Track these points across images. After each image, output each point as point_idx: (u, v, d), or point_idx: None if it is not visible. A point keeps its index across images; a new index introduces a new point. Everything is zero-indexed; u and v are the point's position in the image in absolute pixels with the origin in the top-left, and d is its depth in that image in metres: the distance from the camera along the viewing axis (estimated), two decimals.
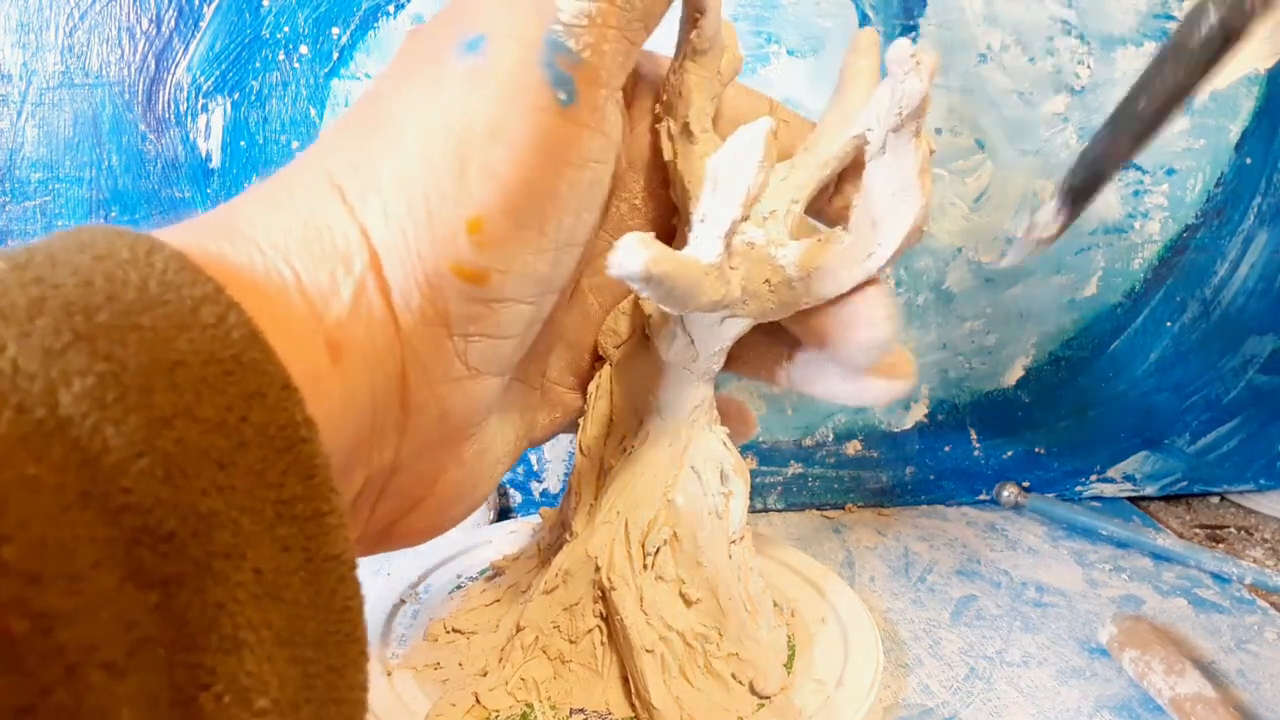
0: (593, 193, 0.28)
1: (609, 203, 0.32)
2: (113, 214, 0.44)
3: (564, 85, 0.25)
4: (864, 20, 0.48)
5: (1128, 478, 0.57)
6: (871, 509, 0.55)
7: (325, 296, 0.22)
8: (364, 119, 0.26)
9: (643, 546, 0.34)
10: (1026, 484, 0.56)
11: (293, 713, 0.16)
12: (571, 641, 0.34)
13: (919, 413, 0.54)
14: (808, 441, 0.53)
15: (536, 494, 0.52)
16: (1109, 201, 0.53)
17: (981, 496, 0.56)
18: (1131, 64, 0.51)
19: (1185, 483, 0.58)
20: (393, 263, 0.24)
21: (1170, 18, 0.50)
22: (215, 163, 0.45)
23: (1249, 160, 0.53)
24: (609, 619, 0.34)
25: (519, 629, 0.34)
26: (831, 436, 0.54)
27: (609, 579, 0.33)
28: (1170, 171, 0.53)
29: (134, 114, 0.44)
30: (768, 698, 0.33)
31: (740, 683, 0.33)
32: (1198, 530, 0.55)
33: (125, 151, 0.44)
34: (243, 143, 0.45)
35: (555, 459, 0.52)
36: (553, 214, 0.26)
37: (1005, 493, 0.55)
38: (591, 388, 0.36)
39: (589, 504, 0.36)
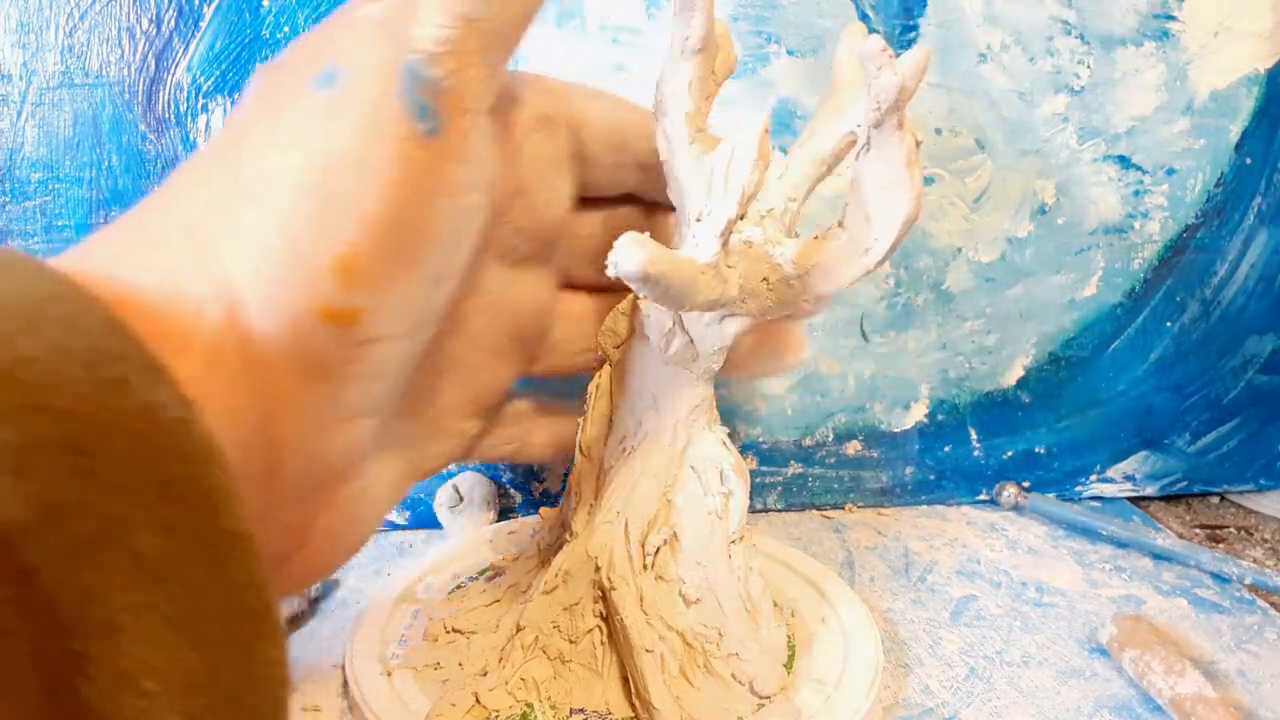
0: (466, 221, 0.27)
1: (493, 228, 0.32)
2: (113, 214, 0.45)
3: (426, 114, 0.24)
4: (864, 20, 0.48)
5: (1128, 478, 0.57)
6: (871, 509, 0.55)
7: (178, 350, 0.21)
8: (221, 158, 0.25)
9: (642, 546, 0.34)
10: (1026, 484, 0.56)
11: (194, 694, 0.16)
12: (571, 641, 0.34)
13: (919, 413, 0.54)
14: (808, 441, 0.53)
15: (536, 494, 0.52)
16: (1109, 201, 0.53)
17: (981, 496, 0.56)
18: (1131, 64, 0.51)
19: (1185, 483, 0.58)
20: (255, 310, 0.22)
21: (1171, 18, 0.50)
22: None
23: (1249, 160, 0.53)
24: (609, 619, 0.34)
25: (519, 629, 0.34)
26: (831, 436, 0.54)
27: (609, 579, 0.33)
28: (1170, 171, 0.53)
29: (134, 114, 0.44)
30: (768, 698, 0.33)
31: (740, 683, 0.33)
32: (1198, 530, 0.55)
33: (125, 151, 0.44)
34: None
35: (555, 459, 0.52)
36: (422, 246, 0.26)
37: (1005, 493, 0.55)
38: (591, 387, 0.36)
39: (589, 504, 0.36)
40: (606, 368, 0.36)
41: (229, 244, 0.22)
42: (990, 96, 0.50)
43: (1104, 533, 0.52)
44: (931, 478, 0.56)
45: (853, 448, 0.54)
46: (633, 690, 0.33)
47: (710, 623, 0.34)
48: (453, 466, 0.51)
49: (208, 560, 0.17)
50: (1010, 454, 0.56)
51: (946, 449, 0.55)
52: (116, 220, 0.24)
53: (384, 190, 0.24)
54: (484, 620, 0.37)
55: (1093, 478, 0.57)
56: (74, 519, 0.15)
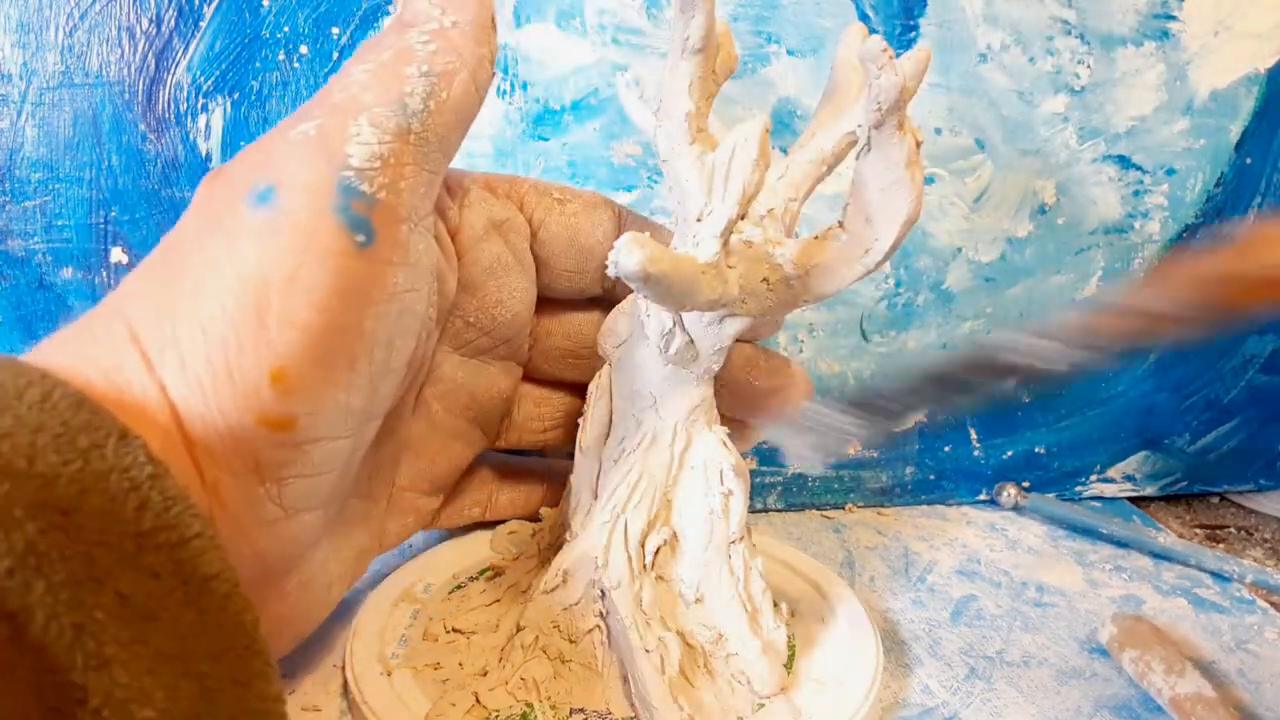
0: (404, 321, 0.28)
1: (444, 321, 0.33)
2: (112, 214, 0.45)
3: (361, 227, 0.25)
4: (864, 20, 0.48)
5: (1128, 478, 0.57)
6: (871, 509, 0.55)
7: (140, 428, 0.22)
8: (165, 267, 0.25)
9: (642, 546, 0.34)
10: (1026, 484, 0.56)
11: None
12: (571, 641, 0.34)
13: (919, 413, 0.54)
14: None
15: None
16: (1109, 201, 0.53)
17: (981, 496, 0.56)
18: (1131, 64, 0.51)
19: (1185, 483, 0.58)
20: (193, 418, 0.23)
21: (1171, 17, 0.50)
22: (215, 163, 0.45)
23: (1249, 160, 0.53)
24: (608, 618, 0.34)
25: (519, 628, 0.34)
26: None
27: (609, 579, 0.33)
28: (1170, 171, 0.53)
29: (134, 114, 0.44)
30: (768, 698, 0.33)
31: (740, 683, 0.33)
32: (1198, 530, 0.55)
33: (125, 151, 0.44)
34: (243, 143, 0.45)
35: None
36: (361, 350, 0.26)
37: (1005, 493, 0.55)
38: (592, 388, 0.36)
39: (589, 504, 0.36)
40: (606, 368, 0.36)
41: (169, 354, 0.23)
42: (990, 96, 0.50)
43: (1104, 533, 0.52)
44: (931, 478, 0.56)
45: (853, 448, 0.54)
46: (632, 690, 0.33)
47: (710, 623, 0.34)
48: None
49: (191, 601, 0.19)
50: (1010, 454, 0.56)
51: (946, 449, 0.55)
52: (71, 323, 0.25)
53: (319, 303, 0.25)
54: (484, 620, 0.37)
55: (1093, 478, 0.57)
56: (56, 566, 0.17)
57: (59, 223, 0.44)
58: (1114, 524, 0.52)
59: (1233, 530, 0.55)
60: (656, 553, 0.34)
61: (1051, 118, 0.51)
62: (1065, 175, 0.52)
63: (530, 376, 0.40)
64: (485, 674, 0.34)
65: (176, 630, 0.18)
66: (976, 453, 0.56)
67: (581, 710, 0.33)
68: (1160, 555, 0.50)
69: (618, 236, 0.35)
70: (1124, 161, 0.52)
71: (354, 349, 0.26)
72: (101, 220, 0.45)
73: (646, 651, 0.33)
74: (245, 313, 0.24)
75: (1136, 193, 0.53)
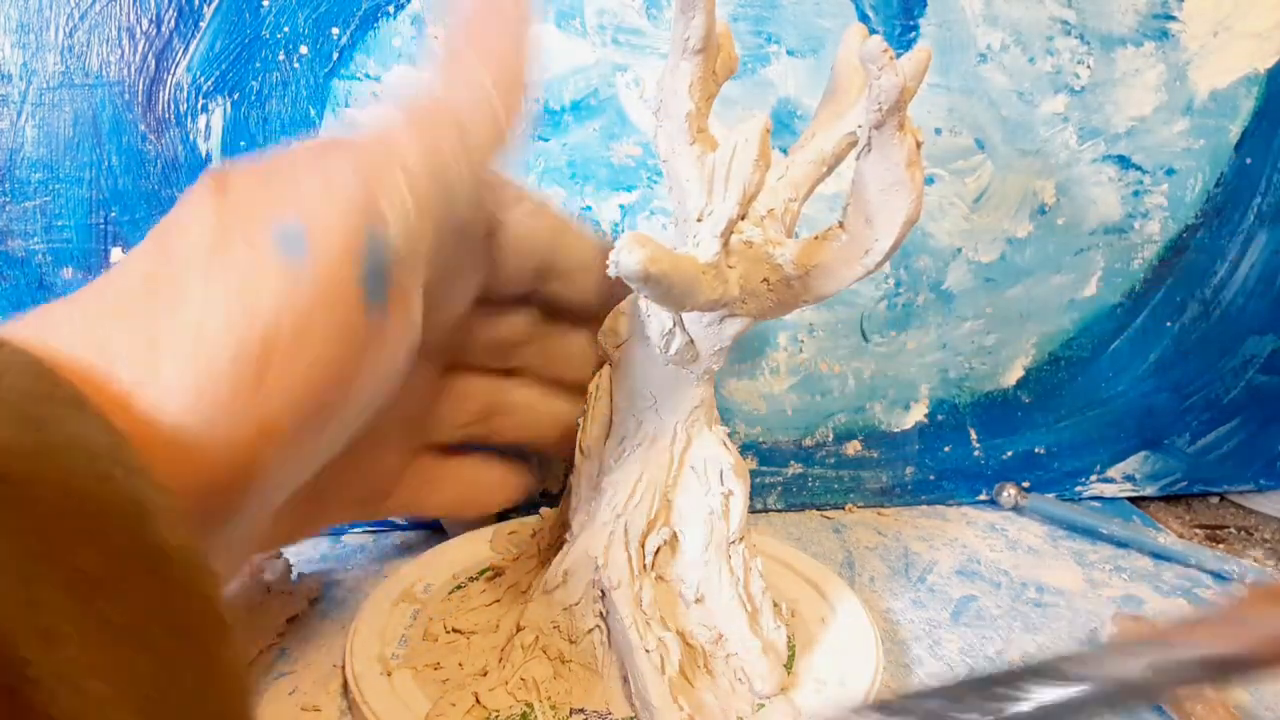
0: (391, 376, 0.27)
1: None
2: (112, 214, 0.45)
3: (379, 287, 0.24)
4: (864, 20, 0.48)
5: (1128, 478, 0.57)
6: (871, 509, 0.55)
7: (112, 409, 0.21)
8: (159, 286, 0.23)
9: (642, 547, 0.34)
10: (1026, 484, 0.56)
11: (152, 697, 0.17)
12: (572, 641, 0.34)
13: (919, 413, 0.54)
14: (808, 442, 0.53)
15: (536, 493, 0.52)
16: (1109, 201, 0.53)
17: (981, 496, 0.56)
18: (1131, 64, 0.51)
19: (1185, 483, 0.58)
20: (159, 443, 0.22)
21: (1171, 18, 0.50)
22: (216, 163, 0.45)
23: (1249, 160, 0.53)
24: (608, 618, 0.34)
25: (519, 629, 0.34)
26: (831, 436, 0.54)
27: (609, 579, 0.33)
28: (1170, 171, 0.53)
29: (134, 114, 0.44)
30: (768, 698, 0.33)
31: (740, 682, 0.33)
32: (1198, 530, 0.55)
33: (125, 151, 0.44)
34: (243, 143, 0.45)
35: (555, 460, 0.52)
36: (349, 405, 0.25)
37: (1005, 493, 0.55)
38: (591, 388, 0.36)
39: (589, 504, 0.36)
40: (606, 368, 0.36)
41: (149, 389, 0.22)
42: (990, 96, 0.50)
43: (1104, 533, 0.52)
44: (931, 478, 0.56)
45: (853, 448, 0.54)
46: (632, 690, 0.33)
47: (710, 623, 0.34)
48: None
49: (149, 571, 0.18)
50: (1010, 454, 0.56)
51: (946, 449, 0.55)
52: (57, 301, 0.23)
53: (323, 359, 0.23)
54: (484, 620, 0.37)
55: (1093, 478, 0.57)
56: (4, 539, 0.16)
57: (59, 223, 0.44)
58: (1114, 524, 0.52)
59: (1233, 530, 0.55)
60: (656, 553, 0.34)
61: (1051, 118, 0.51)
62: (1065, 175, 0.52)
63: (454, 368, 0.39)
64: (485, 674, 0.34)
65: (136, 604, 0.17)
66: (976, 453, 0.56)
67: (581, 710, 0.33)
68: (1160, 555, 0.50)
69: (562, 238, 0.35)
70: (1124, 161, 0.52)
71: (343, 404, 0.25)
72: (101, 220, 0.45)
73: (646, 651, 0.33)
74: (247, 364, 0.22)
75: (1136, 193, 0.53)
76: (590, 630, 0.34)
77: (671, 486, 0.34)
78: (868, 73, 0.27)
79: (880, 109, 0.27)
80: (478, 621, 0.37)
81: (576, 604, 0.34)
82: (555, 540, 0.38)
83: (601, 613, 0.34)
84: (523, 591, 0.38)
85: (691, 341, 0.33)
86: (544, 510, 0.40)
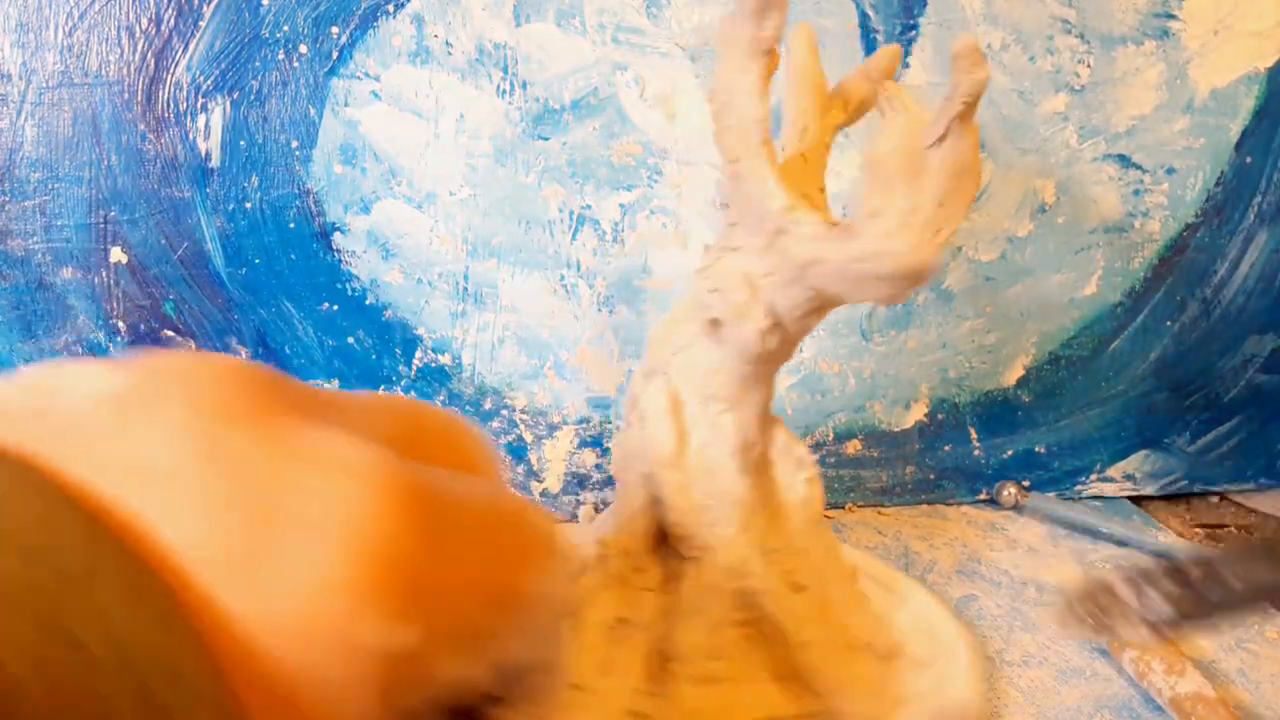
0: None
1: None
2: (112, 213, 0.44)
3: None
4: (864, 20, 0.48)
5: (1128, 477, 0.57)
6: (871, 509, 0.55)
7: None
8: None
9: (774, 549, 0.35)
10: (1026, 484, 0.56)
11: None
12: (718, 659, 0.34)
13: (919, 412, 0.54)
14: (808, 441, 0.53)
15: (536, 494, 0.52)
16: (1109, 201, 0.53)
17: (981, 496, 0.56)
18: (1131, 63, 0.51)
19: (1185, 482, 0.58)
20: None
21: (1170, 17, 0.50)
22: (215, 162, 0.45)
23: (1249, 159, 0.53)
24: (758, 624, 0.34)
25: (669, 660, 0.34)
26: (831, 436, 0.54)
27: (756, 585, 0.34)
28: (1170, 171, 0.53)
29: (133, 114, 0.44)
30: (892, 656, 0.36)
31: (868, 648, 0.35)
32: (1198, 530, 0.55)
33: (125, 151, 0.44)
34: (242, 142, 0.45)
35: (555, 459, 0.52)
36: None
37: (1005, 493, 0.55)
38: (638, 415, 0.36)
39: (708, 522, 0.35)
40: (651, 392, 0.36)
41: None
42: (990, 96, 0.50)
43: (1104, 532, 0.52)
44: (931, 477, 0.56)
45: (853, 447, 0.54)
46: (798, 686, 0.34)
47: (821, 603, 0.35)
48: None
49: None
50: (1010, 454, 0.56)
51: (946, 449, 0.55)
52: None
53: None
54: (592, 671, 0.35)
55: (1093, 477, 0.57)
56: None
57: (59, 222, 0.44)
58: (1114, 523, 0.52)
59: (1233, 530, 0.55)
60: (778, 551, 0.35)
61: (1052, 117, 0.51)
62: (1065, 174, 0.52)
63: None
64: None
65: None
66: (976, 452, 0.56)
67: None
68: (1160, 554, 0.50)
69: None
70: (1124, 161, 0.52)
71: None
72: (101, 220, 0.45)
73: (804, 644, 0.34)
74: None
75: (1137, 192, 0.53)
76: (736, 642, 0.35)
77: (770, 482, 0.36)
78: (957, 67, 0.31)
79: (967, 101, 0.31)
80: (584, 673, 0.35)
81: (719, 621, 0.34)
82: (636, 565, 0.37)
83: (745, 621, 0.35)
84: (641, 626, 0.36)
85: (785, 339, 0.34)
86: (605, 539, 0.38)
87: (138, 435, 0.16)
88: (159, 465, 0.15)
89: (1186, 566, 0.25)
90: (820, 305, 0.33)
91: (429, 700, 0.19)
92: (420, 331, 0.49)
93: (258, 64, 0.44)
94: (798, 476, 0.36)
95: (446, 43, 0.45)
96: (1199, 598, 0.25)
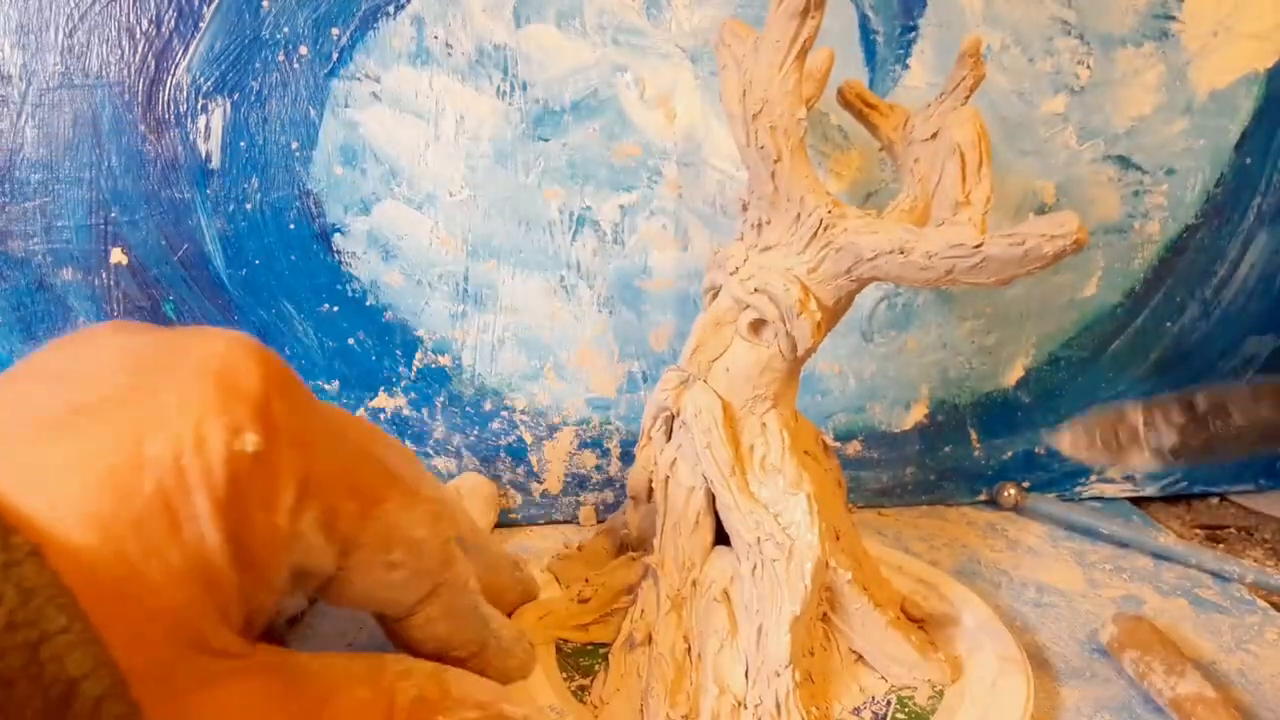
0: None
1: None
2: (113, 214, 0.44)
3: None
4: (864, 20, 0.48)
5: (1128, 478, 0.57)
6: (871, 509, 0.55)
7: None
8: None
9: (836, 536, 0.37)
10: (1026, 484, 0.56)
11: None
12: (810, 654, 0.35)
13: (919, 413, 0.54)
14: None
15: (536, 495, 0.52)
16: (1109, 201, 0.53)
17: (981, 496, 0.56)
18: (1131, 64, 0.51)
19: (1185, 483, 0.58)
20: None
21: (1170, 18, 0.50)
22: (215, 163, 0.45)
23: (1249, 160, 0.53)
24: (829, 617, 0.37)
25: (782, 669, 0.33)
26: (831, 436, 0.54)
27: (833, 577, 0.36)
28: (1170, 172, 0.53)
29: (134, 114, 0.44)
30: (923, 622, 0.39)
31: (904, 614, 0.38)
32: (1198, 530, 0.55)
33: (125, 152, 0.44)
34: (243, 143, 0.45)
35: (555, 459, 0.52)
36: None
37: (1005, 493, 0.55)
38: (712, 418, 0.35)
39: (806, 520, 0.35)
40: (690, 401, 0.36)
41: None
42: (990, 96, 0.50)
43: (1104, 533, 0.52)
44: (931, 478, 0.56)
45: (853, 448, 0.54)
46: (886, 663, 0.36)
47: (874, 581, 0.38)
48: (453, 467, 0.51)
49: (52, 711, 0.16)
50: (1010, 454, 0.56)
51: (946, 449, 0.55)
52: None
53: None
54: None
55: (1093, 478, 0.57)
56: None
57: (59, 224, 0.44)
58: (1114, 524, 0.52)
59: (1233, 530, 0.55)
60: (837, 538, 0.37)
61: (1051, 118, 0.51)
62: (1065, 175, 0.52)
63: None
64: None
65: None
66: (976, 453, 0.56)
67: (856, 709, 0.35)
68: (1160, 555, 0.50)
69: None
70: (1124, 162, 0.52)
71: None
72: (101, 221, 0.45)
73: (890, 623, 0.36)
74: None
75: (1136, 193, 0.53)
76: (821, 635, 0.36)
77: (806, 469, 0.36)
78: (962, 64, 0.36)
79: (969, 95, 0.36)
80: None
81: (812, 619, 0.35)
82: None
83: (824, 614, 0.36)
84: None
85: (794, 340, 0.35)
86: (646, 563, 0.38)
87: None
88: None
89: (1195, 399, 0.26)
90: (855, 293, 0.35)
91: (271, 589, 0.22)
92: (420, 333, 0.49)
93: (258, 65, 0.44)
94: (829, 461, 0.38)
95: (447, 44, 0.45)
96: (1203, 426, 0.26)
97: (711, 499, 0.36)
